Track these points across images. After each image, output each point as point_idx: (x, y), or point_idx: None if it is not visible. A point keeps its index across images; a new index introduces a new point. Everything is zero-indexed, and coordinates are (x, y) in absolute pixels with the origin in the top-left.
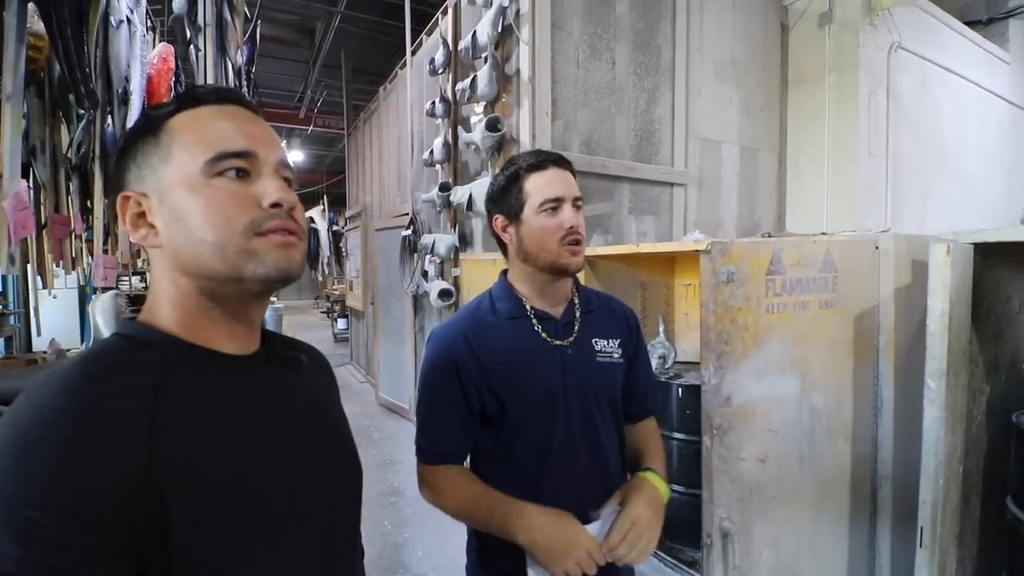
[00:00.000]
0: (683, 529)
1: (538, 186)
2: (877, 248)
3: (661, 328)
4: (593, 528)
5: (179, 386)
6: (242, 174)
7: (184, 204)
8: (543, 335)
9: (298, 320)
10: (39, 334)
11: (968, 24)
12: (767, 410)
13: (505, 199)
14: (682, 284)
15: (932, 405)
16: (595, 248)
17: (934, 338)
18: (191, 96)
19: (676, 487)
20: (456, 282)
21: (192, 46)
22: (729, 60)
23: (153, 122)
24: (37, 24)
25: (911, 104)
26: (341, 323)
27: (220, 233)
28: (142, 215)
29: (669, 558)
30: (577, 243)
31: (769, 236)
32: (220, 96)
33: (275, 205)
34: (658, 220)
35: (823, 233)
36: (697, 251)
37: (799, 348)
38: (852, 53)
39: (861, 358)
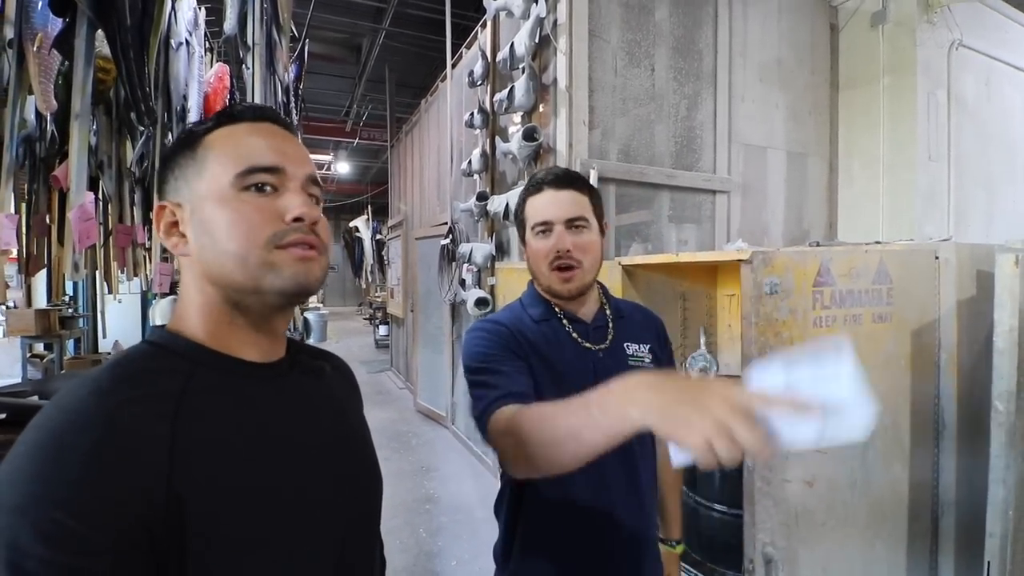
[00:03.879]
0: (725, 552)
1: (534, 208)
2: (937, 258)
3: (702, 340)
4: None
5: (202, 393)
6: (270, 189)
7: (212, 215)
8: (574, 335)
9: (341, 326)
10: (104, 336)
11: None
12: None
13: (516, 219)
14: (725, 295)
15: (1000, 429)
16: (633, 257)
17: (1002, 356)
18: (229, 113)
19: (718, 507)
20: (492, 291)
21: (243, 65)
22: (775, 64)
23: (192, 137)
24: (105, 48)
25: (976, 105)
26: (383, 329)
27: (241, 244)
28: (175, 224)
29: None
30: (568, 268)
31: (818, 245)
32: (256, 114)
33: (297, 219)
34: (699, 228)
35: (877, 242)
36: (739, 261)
37: None
38: (909, 53)
39: (920, 376)
